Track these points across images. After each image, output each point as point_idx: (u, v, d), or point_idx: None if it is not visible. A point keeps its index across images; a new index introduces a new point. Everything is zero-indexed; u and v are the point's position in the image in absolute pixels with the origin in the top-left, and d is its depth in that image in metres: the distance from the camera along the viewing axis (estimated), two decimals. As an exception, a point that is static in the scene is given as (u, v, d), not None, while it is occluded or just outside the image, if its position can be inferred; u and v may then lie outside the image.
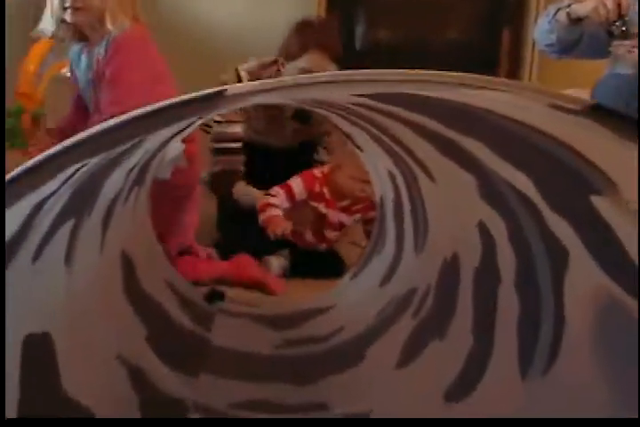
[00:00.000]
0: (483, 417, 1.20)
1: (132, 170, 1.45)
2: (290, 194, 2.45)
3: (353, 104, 1.31)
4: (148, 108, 0.73)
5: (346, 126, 1.78)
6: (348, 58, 4.02)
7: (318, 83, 0.79)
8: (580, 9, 2.41)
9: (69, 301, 1.20)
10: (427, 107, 0.94)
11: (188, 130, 1.67)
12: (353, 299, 1.94)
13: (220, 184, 2.58)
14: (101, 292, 1.42)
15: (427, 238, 1.66)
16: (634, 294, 0.89)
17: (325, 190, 2.48)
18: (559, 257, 1.05)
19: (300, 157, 2.69)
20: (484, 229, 1.30)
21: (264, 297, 2.16)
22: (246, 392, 1.48)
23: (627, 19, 2.33)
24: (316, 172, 2.50)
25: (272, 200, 2.42)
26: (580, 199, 0.90)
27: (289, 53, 2.49)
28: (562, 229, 1.01)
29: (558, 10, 2.48)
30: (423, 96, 0.85)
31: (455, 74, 0.76)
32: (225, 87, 0.76)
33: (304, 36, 2.47)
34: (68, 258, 1.20)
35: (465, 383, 1.30)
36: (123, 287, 1.57)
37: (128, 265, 1.64)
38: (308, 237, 2.50)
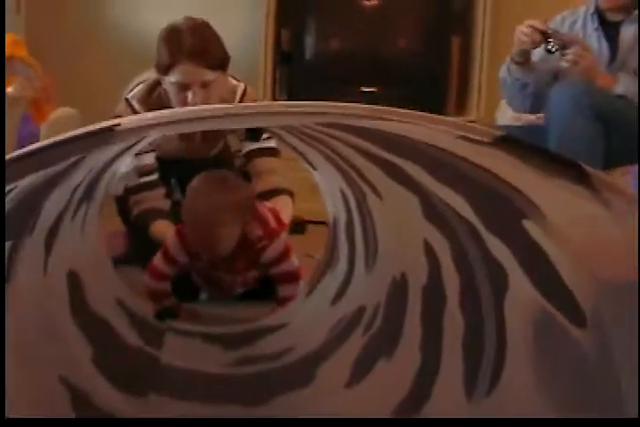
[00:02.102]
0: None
1: (76, 188, 1.43)
2: (169, 259, 2.04)
3: (301, 124, 1.31)
4: (37, 146, 0.71)
5: (298, 145, 1.78)
6: (298, 67, 4.06)
7: (212, 116, 0.78)
8: (513, 51, 2.55)
9: (9, 324, 1.18)
10: (362, 131, 0.94)
11: (138, 146, 1.66)
12: (305, 317, 1.93)
13: (140, 227, 2.30)
14: (45, 313, 1.40)
15: (377, 257, 1.66)
16: (565, 312, 0.90)
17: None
18: (499, 277, 1.05)
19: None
20: (429, 249, 1.31)
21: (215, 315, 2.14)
22: (195, 413, 1.46)
23: (550, 32, 2.42)
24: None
25: (158, 267, 2.04)
26: (512, 222, 0.91)
27: (161, 67, 2.22)
28: (499, 250, 1.02)
29: (509, 71, 2.60)
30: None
31: (361, 106, 0.75)
32: (116, 122, 0.74)
33: (172, 46, 2.17)
34: (8, 280, 1.18)
35: (412, 404, 1.30)
36: (69, 307, 1.55)
37: (75, 284, 1.62)
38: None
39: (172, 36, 2.21)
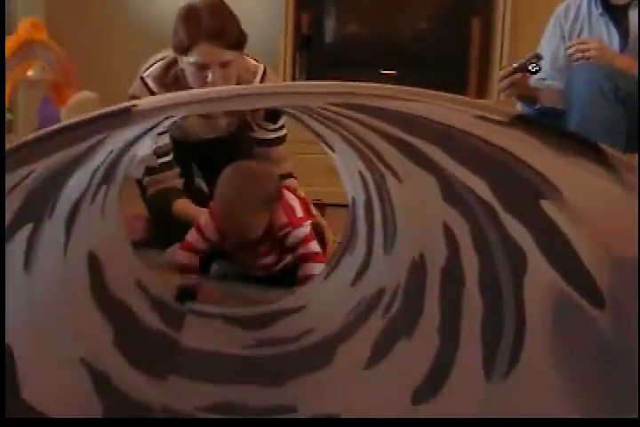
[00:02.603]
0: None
1: (96, 170, 1.44)
2: (202, 235, 2.14)
3: (320, 107, 1.31)
4: (55, 127, 0.71)
5: (316, 127, 1.78)
6: (318, 51, 4.04)
7: (231, 97, 0.78)
8: (517, 98, 2.64)
9: (29, 307, 1.19)
10: (379, 111, 0.94)
11: (157, 129, 1.66)
12: (325, 299, 1.93)
13: (159, 205, 2.43)
14: (65, 295, 1.41)
15: (395, 238, 1.66)
16: (584, 293, 0.90)
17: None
18: (518, 258, 1.05)
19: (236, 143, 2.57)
20: (448, 231, 1.30)
21: (235, 296, 2.16)
22: (215, 394, 1.47)
23: (520, 64, 2.45)
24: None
25: (191, 241, 2.14)
26: (530, 203, 0.90)
27: (179, 47, 2.23)
28: (518, 231, 1.02)
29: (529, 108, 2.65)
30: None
31: (380, 86, 0.75)
32: (133, 103, 0.74)
33: (191, 27, 2.19)
34: (28, 263, 1.18)
35: (431, 385, 1.30)
36: (90, 289, 1.56)
37: (95, 266, 1.63)
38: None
39: (190, 15, 2.21)
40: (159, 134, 2.35)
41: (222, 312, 1.94)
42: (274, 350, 1.70)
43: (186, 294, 2.05)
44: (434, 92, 0.74)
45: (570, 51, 2.41)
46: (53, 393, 1.19)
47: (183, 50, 2.22)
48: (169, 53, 2.37)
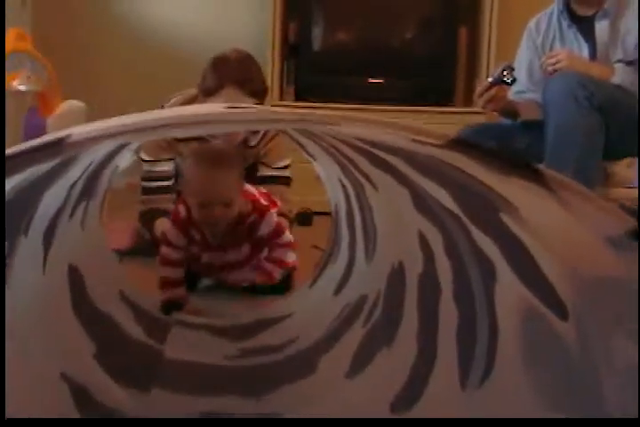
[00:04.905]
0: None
1: (74, 185, 1.44)
2: (171, 246, 2.16)
3: None
4: None
5: (298, 137, 1.79)
6: (306, 60, 4.05)
7: (163, 125, 0.78)
8: (500, 114, 2.72)
9: (9, 324, 1.19)
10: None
11: (136, 142, 1.67)
12: (309, 307, 1.94)
13: (145, 223, 2.59)
14: (45, 310, 1.41)
15: (376, 246, 1.66)
16: (549, 304, 0.90)
17: (194, 232, 2.18)
18: (487, 269, 1.05)
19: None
20: (423, 240, 1.31)
21: (217, 307, 2.15)
22: (198, 406, 1.47)
23: (494, 78, 2.47)
24: (181, 208, 2.17)
25: (165, 254, 2.16)
26: (491, 215, 0.91)
27: (206, 89, 2.45)
28: (485, 242, 1.02)
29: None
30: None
31: (308, 112, 0.75)
32: (68, 133, 0.75)
33: (220, 72, 2.43)
34: (5, 279, 1.19)
35: (410, 394, 1.30)
36: (71, 304, 1.56)
37: (77, 280, 1.63)
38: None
39: (220, 64, 2.45)
40: (166, 160, 2.57)
41: (207, 323, 1.94)
42: (258, 360, 1.69)
43: (172, 306, 2.05)
44: (370, 117, 0.74)
45: (543, 66, 2.44)
46: (32, 408, 1.19)
47: (209, 92, 2.42)
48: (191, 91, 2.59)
